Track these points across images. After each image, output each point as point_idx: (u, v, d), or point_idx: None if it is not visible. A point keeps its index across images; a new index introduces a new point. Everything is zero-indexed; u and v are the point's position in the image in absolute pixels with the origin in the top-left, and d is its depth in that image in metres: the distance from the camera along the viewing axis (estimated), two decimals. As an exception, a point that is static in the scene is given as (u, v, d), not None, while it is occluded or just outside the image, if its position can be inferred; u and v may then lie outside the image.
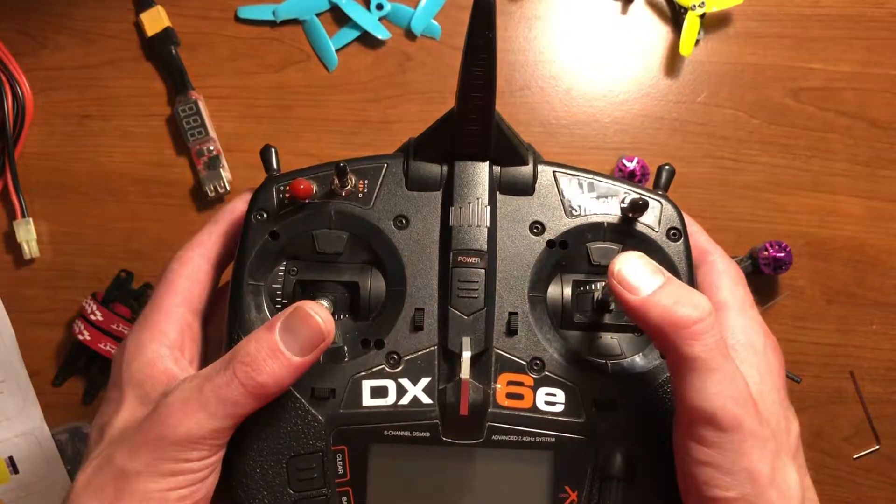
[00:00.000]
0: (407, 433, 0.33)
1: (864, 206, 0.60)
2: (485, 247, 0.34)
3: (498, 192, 0.35)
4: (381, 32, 0.60)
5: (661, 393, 0.34)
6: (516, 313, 0.34)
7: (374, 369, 0.34)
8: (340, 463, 0.33)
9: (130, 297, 0.58)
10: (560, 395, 0.33)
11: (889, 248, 0.60)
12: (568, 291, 0.35)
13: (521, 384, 0.34)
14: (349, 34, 0.60)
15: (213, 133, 0.59)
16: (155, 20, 0.59)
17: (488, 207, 0.34)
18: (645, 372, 0.34)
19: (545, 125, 0.60)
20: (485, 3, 0.29)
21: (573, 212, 0.35)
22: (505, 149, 0.35)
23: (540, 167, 0.36)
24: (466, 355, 0.32)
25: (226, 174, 0.59)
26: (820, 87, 0.60)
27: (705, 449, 0.29)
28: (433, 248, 0.35)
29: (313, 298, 0.34)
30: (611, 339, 0.35)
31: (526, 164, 0.35)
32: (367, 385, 0.33)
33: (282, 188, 0.35)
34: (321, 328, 0.30)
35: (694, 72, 0.60)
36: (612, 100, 0.60)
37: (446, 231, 0.34)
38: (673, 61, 0.60)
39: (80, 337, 0.56)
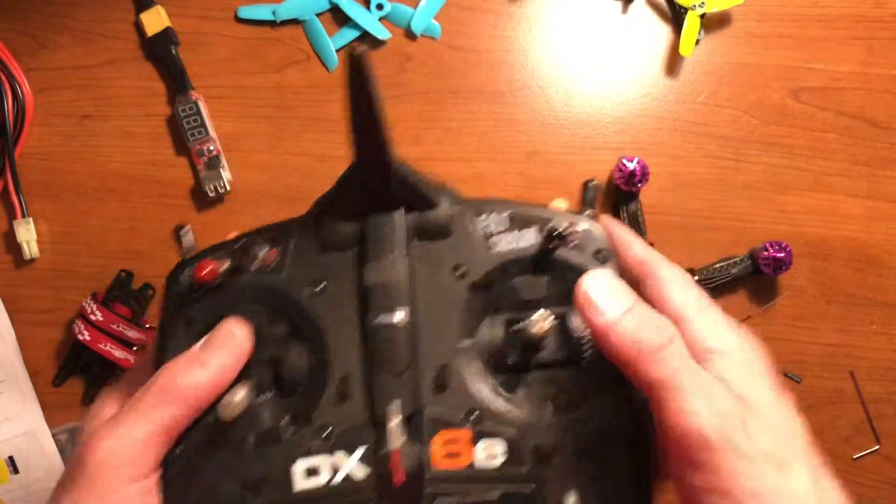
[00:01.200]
0: None
1: (863, 206, 0.60)
2: (406, 302, 0.32)
3: (415, 240, 0.33)
4: (381, 32, 0.60)
5: (606, 429, 0.32)
6: (446, 365, 0.32)
7: (305, 448, 0.31)
8: None
9: (130, 297, 0.58)
10: (500, 446, 0.31)
11: (889, 248, 0.60)
12: (499, 333, 0.33)
13: (458, 441, 0.31)
14: (349, 34, 0.60)
15: (213, 133, 0.59)
16: (155, 20, 0.59)
17: (406, 259, 0.32)
18: (587, 409, 0.32)
19: (545, 125, 0.60)
20: (356, 55, 0.27)
21: (494, 248, 0.33)
22: (414, 195, 0.33)
23: (455, 207, 0.34)
24: (395, 421, 0.30)
25: (226, 174, 0.59)
26: (820, 87, 0.60)
27: (703, 475, 0.27)
28: (352, 309, 0.32)
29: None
30: (547, 379, 0.33)
31: (438, 205, 0.33)
32: (299, 466, 0.31)
33: (189, 272, 0.33)
34: (234, 337, 0.31)
35: (694, 72, 0.60)
36: (612, 100, 0.60)
37: (364, 290, 0.32)
38: (673, 61, 0.60)
39: (81, 337, 0.56)
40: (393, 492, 0.31)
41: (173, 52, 0.59)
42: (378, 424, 0.31)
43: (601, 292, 0.30)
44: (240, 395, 0.31)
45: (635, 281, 0.33)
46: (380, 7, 0.60)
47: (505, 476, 0.31)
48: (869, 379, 0.60)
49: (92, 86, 0.60)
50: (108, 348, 0.56)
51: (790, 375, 0.59)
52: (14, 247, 0.59)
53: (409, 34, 0.60)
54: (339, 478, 0.31)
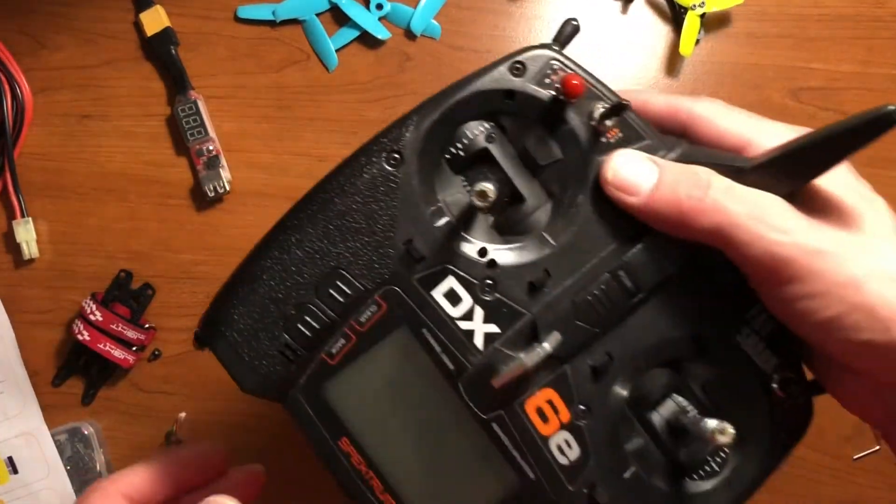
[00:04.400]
0: (439, 349, 0.31)
1: (864, 206, 0.60)
2: None
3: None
4: (381, 32, 0.60)
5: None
6: (612, 361, 0.31)
7: (467, 276, 0.31)
8: (369, 312, 0.31)
9: (130, 297, 0.58)
10: (574, 452, 0.31)
11: (889, 248, 0.60)
12: (669, 410, 0.32)
13: (556, 412, 0.31)
14: (349, 34, 0.60)
15: (212, 133, 0.59)
16: (154, 20, 0.59)
17: None
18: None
19: (545, 125, 0.60)
20: None
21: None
22: None
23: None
24: (546, 347, 0.30)
25: (225, 174, 0.59)
26: (820, 87, 0.60)
27: (792, 287, 0.27)
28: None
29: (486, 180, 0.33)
30: (660, 456, 0.32)
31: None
32: (451, 281, 0.31)
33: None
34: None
35: (694, 72, 0.60)
36: (612, 100, 0.60)
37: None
38: (673, 61, 0.60)
39: (80, 337, 0.56)
40: (480, 384, 0.30)
41: (173, 51, 0.59)
42: (530, 333, 0.31)
43: (626, 173, 0.30)
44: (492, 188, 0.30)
45: (678, 132, 0.32)
46: (379, 7, 0.60)
47: (550, 472, 0.31)
48: (869, 379, 0.59)
49: (91, 86, 0.60)
50: (107, 348, 0.56)
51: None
52: (13, 247, 0.59)
53: (409, 34, 0.60)
54: (465, 325, 0.31)
